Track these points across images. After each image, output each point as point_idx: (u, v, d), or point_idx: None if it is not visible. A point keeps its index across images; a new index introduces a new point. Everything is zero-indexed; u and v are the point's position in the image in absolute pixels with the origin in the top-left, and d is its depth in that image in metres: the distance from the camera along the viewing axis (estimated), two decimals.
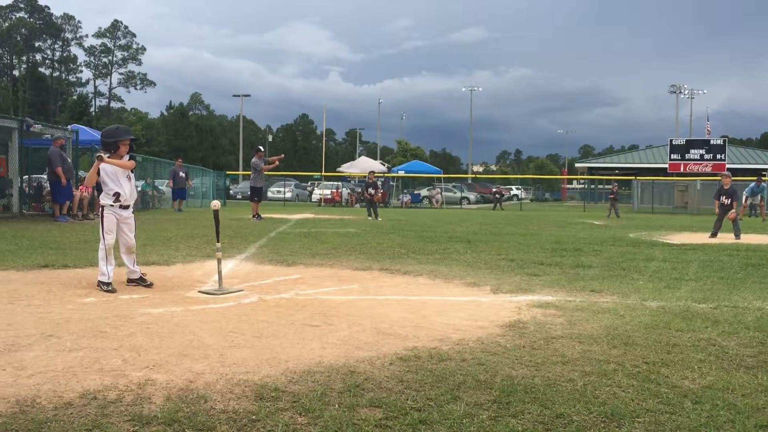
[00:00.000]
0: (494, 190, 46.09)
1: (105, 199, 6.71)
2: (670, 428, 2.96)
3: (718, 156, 45.58)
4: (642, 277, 7.97)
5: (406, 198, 45.75)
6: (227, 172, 51.60)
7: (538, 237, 14.53)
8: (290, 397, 3.25)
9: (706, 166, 45.72)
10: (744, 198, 26.61)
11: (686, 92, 74.10)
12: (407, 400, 3.24)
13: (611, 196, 29.78)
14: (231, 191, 49.93)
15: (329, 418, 2.97)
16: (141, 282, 6.76)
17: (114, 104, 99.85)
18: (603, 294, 6.70)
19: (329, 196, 43.34)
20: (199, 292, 6.48)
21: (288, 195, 46.96)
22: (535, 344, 4.44)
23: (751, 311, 5.77)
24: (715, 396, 3.37)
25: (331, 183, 48.51)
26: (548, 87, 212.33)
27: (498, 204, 40.59)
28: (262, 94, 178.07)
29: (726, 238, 14.68)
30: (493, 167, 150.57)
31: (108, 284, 6.42)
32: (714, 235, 15.16)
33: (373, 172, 26.02)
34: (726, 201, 15.51)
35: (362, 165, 42.86)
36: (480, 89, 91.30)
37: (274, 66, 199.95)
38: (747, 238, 14.78)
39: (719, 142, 48.14)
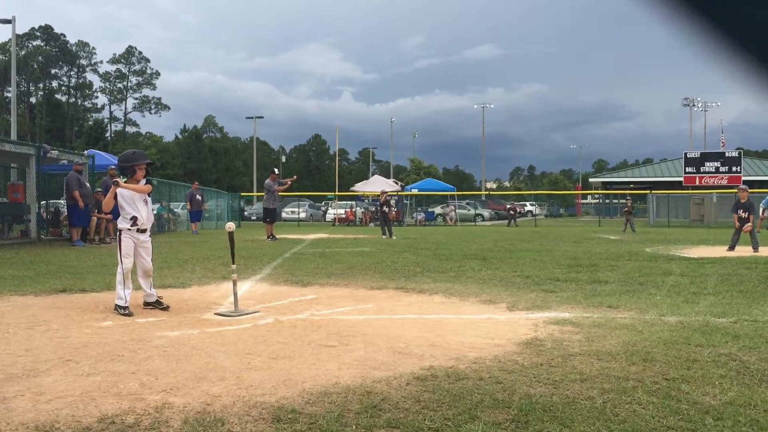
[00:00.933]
0: (508, 206, 45.96)
1: (122, 223, 6.77)
2: None
3: (734, 168, 45.32)
4: (660, 292, 7.90)
5: (420, 216, 45.69)
6: (241, 194, 51.87)
7: (553, 253, 14.46)
8: (307, 419, 3.24)
9: (722, 178, 45.46)
10: (762, 210, 26.36)
11: (699, 105, 73.83)
12: (424, 420, 3.22)
13: (626, 210, 29.54)
14: (245, 213, 50.17)
15: None
16: (157, 305, 6.79)
17: (129, 128, 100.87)
18: (620, 310, 6.64)
19: (343, 216, 43.42)
20: (215, 314, 6.50)
21: (302, 215, 47.14)
22: (552, 362, 4.41)
23: None
24: (736, 412, 3.33)
25: (345, 202, 48.61)
26: (562, 102, 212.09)
27: (513, 221, 40.46)
28: (275, 116, 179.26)
29: (744, 251, 14.54)
30: (507, 183, 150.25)
31: (125, 308, 6.44)
32: (732, 248, 15.04)
33: (385, 192, 26.05)
34: (743, 214, 15.41)
35: (375, 184, 42.95)
36: (492, 106, 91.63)
37: (287, 87, 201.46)
38: (765, 251, 14.63)
39: (734, 154, 47.88)
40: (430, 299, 7.60)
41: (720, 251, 14.98)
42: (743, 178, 45.15)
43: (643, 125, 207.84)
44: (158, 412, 3.35)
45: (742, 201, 15.61)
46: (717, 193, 42.23)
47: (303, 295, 7.87)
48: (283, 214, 44.70)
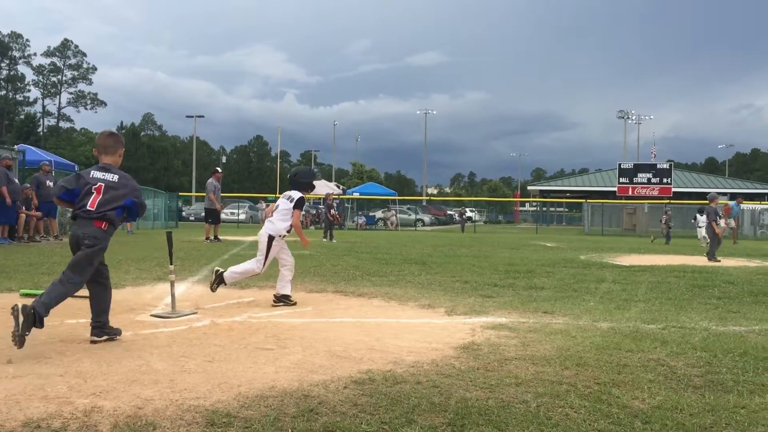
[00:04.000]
0: (459, 211, 46.40)
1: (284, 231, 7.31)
2: None
3: (665, 180, 46.89)
4: (593, 299, 8.10)
5: (361, 220, 45.74)
6: (180, 194, 50.90)
7: (491, 259, 14.67)
8: (242, 423, 3.19)
9: (653, 189, 46.97)
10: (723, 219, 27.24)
11: (634, 118, 76.22)
12: (361, 424, 3.22)
13: (666, 217, 28.59)
14: (184, 213, 49.24)
15: None
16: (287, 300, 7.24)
17: (63, 124, 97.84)
18: (555, 315, 6.78)
19: None
20: (151, 315, 6.35)
21: (242, 217, 46.56)
22: (489, 366, 4.46)
23: (697, 331, 5.90)
24: (664, 416, 3.43)
25: None
26: (503, 111, 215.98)
27: (463, 225, 40.99)
28: (217, 115, 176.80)
29: (672, 260, 15.05)
30: (448, 189, 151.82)
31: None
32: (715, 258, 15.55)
33: (330, 194, 25.98)
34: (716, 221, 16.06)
35: (317, 187, 42.82)
36: (435, 112, 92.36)
37: (229, 87, 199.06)
38: (693, 260, 15.18)
39: (666, 166, 49.55)
40: (369, 303, 7.60)
41: (650, 259, 15.46)
42: (673, 190, 46.80)
43: (581, 135, 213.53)
44: (86, 416, 3.25)
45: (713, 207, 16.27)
46: (648, 203, 43.62)
47: (241, 298, 7.77)
48: (222, 215, 44.07)
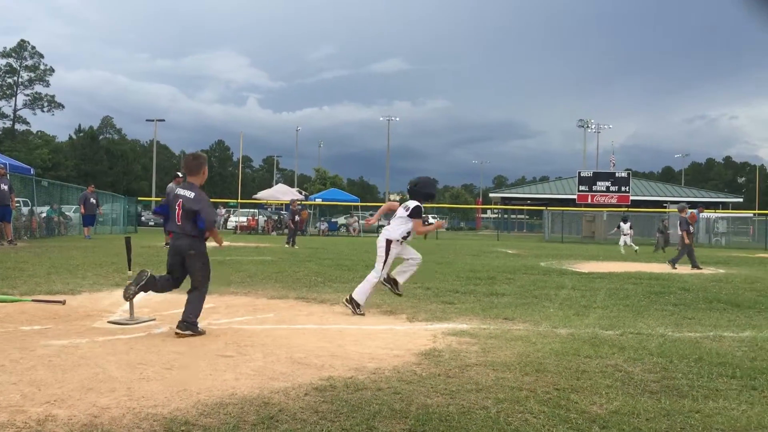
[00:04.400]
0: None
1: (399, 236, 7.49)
2: None
3: (623, 188, 47.70)
4: (552, 305, 8.20)
5: (324, 226, 45.61)
6: (139, 198, 50.13)
7: (453, 265, 14.75)
8: (201, 431, 3.15)
9: (612, 197, 47.76)
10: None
11: (593, 127, 77.47)
12: (322, 431, 3.20)
13: (660, 230, 28.39)
14: (143, 218, 48.49)
15: None
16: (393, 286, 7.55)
17: (19, 126, 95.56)
18: (516, 322, 6.84)
19: (245, 224, 42.73)
20: (108, 322, 6.23)
21: None
22: (450, 372, 4.48)
23: (654, 338, 6.02)
24: (621, 421, 3.48)
25: (248, 210, 47.88)
26: (466, 119, 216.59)
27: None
28: (178, 119, 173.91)
29: (630, 267, 15.33)
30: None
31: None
32: (698, 266, 15.88)
33: (295, 200, 25.84)
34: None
35: (279, 192, 42.58)
36: (397, 119, 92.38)
37: (191, 91, 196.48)
38: (649, 267, 15.48)
39: (624, 175, 50.42)
40: (331, 309, 7.58)
41: (609, 266, 15.72)
42: (631, 198, 47.66)
43: (542, 144, 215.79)
44: (40, 425, 3.17)
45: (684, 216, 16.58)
46: (607, 211, 44.37)
47: None
48: None
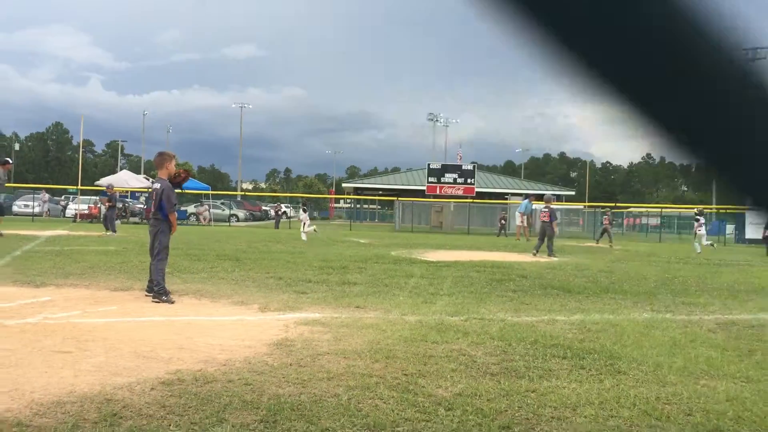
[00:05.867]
0: (275, 207, 46.01)
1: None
2: None
3: (469, 180, 49.70)
4: (402, 293, 8.43)
5: None
6: None
7: (305, 255, 14.75)
8: None
9: (459, 189, 49.66)
10: (519, 216, 28.84)
11: (442, 121, 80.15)
12: (170, 426, 3.12)
13: (605, 223, 27.45)
14: None
15: None
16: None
17: None
18: (367, 310, 6.98)
19: (86, 212, 40.27)
20: None
21: (36, 209, 42.84)
22: (302, 361, 4.50)
23: (495, 322, 6.36)
24: (465, 402, 3.66)
25: (89, 197, 45.16)
26: (320, 108, 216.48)
27: (278, 221, 40.82)
28: (9, 98, 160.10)
29: (474, 256, 16.07)
30: (263, 185, 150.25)
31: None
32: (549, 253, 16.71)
33: (112, 186, 24.18)
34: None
35: (123, 179, 40.52)
36: (251, 106, 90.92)
37: (24, 69, 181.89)
38: (491, 256, 16.30)
39: (470, 167, 52.49)
40: (179, 300, 7.35)
41: (455, 255, 16.37)
42: (476, 190, 49.81)
43: (394, 136, 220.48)
44: None
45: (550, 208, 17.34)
46: (455, 202, 46.11)
47: (35, 297, 7.17)
48: (15, 208, 40.35)
